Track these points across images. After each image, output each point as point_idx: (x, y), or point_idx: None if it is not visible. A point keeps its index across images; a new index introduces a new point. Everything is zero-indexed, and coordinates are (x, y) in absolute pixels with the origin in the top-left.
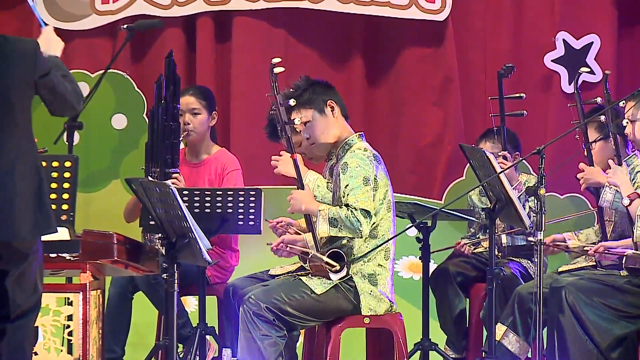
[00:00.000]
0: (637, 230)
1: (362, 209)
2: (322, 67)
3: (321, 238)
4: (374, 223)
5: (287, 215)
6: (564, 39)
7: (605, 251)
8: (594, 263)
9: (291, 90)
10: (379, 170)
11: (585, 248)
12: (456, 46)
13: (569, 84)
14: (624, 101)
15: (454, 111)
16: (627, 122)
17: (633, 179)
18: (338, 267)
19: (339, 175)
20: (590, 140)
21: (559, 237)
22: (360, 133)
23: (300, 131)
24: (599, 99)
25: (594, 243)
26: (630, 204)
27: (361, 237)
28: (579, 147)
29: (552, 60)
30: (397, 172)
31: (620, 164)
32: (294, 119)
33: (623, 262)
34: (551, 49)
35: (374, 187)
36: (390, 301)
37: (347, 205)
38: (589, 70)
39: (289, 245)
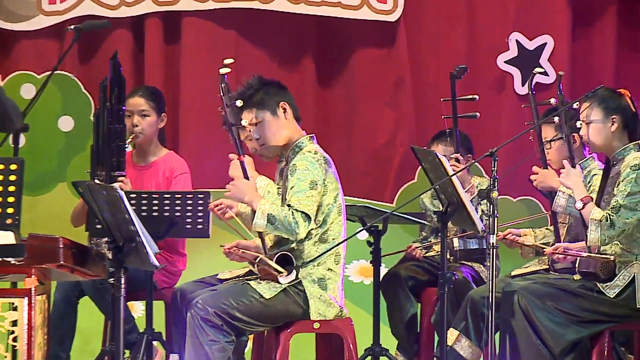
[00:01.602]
0: (591, 235)
1: (303, 212)
2: (273, 69)
3: (271, 246)
4: (322, 227)
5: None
6: (517, 40)
7: (564, 252)
8: (547, 267)
9: (243, 89)
10: (329, 173)
11: (543, 248)
12: (408, 47)
13: (522, 85)
14: (577, 102)
15: (406, 113)
16: (581, 124)
17: (589, 182)
18: (285, 273)
19: (287, 178)
20: (548, 139)
21: (515, 230)
22: (312, 135)
23: (250, 131)
24: (552, 100)
25: (548, 244)
26: (583, 208)
27: (296, 240)
28: (533, 149)
29: (505, 62)
30: (348, 175)
31: (574, 166)
32: (243, 120)
33: (576, 266)
34: (504, 50)
35: (321, 191)
36: (340, 306)
37: (289, 206)
38: (542, 71)
39: (242, 250)
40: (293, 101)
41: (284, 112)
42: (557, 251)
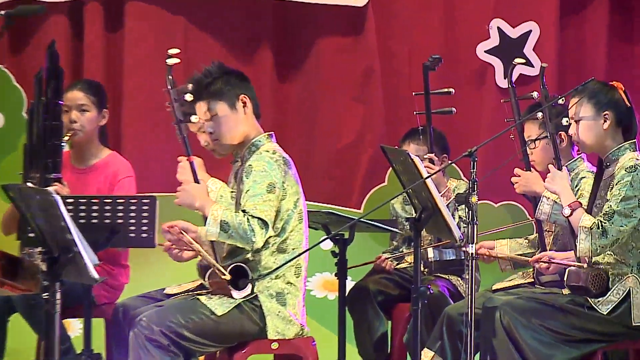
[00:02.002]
0: (580, 244)
1: (260, 219)
2: (226, 59)
3: (224, 256)
4: (281, 235)
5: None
6: (498, 27)
7: (550, 261)
8: (532, 280)
9: (201, 76)
10: (288, 175)
11: (521, 259)
12: (378, 35)
13: (505, 78)
14: (562, 98)
15: (375, 109)
16: (567, 122)
17: (577, 186)
18: (240, 286)
19: (243, 180)
20: (532, 138)
21: (487, 243)
22: (270, 133)
23: (204, 123)
24: (534, 94)
25: (527, 254)
26: (571, 214)
27: (252, 250)
28: (516, 149)
29: (485, 51)
30: (311, 178)
31: (560, 168)
32: (194, 116)
33: (565, 279)
34: (484, 38)
35: (280, 195)
36: (300, 323)
37: (244, 211)
38: (524, 61)
39: (181, 230)
40: (255, 95)
41: (244, 107)
42: (541, 260)
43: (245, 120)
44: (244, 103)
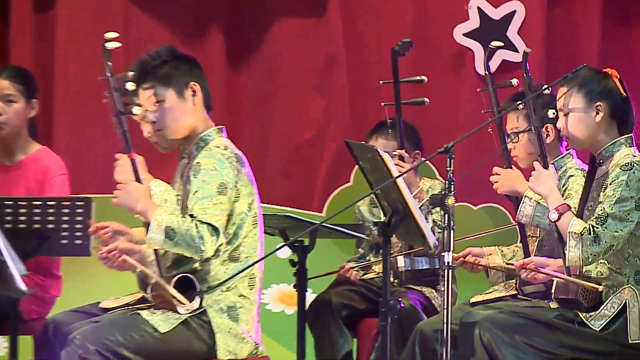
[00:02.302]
0: (570, 252)
1: (209, 224)
2: (171, 43)
3: (169, 266)
4: (233, 242)
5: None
6: (479, 7)
7: (536, 269)
8: (515, 292)
9: (148, 58)
10: (242, 175)
11: (509, 265)
12: (342, 17)
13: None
14: (547, 87)
15: (340, 99)
16: (554, 114)
17: (564, 185)
18: (186, 302)
19: (190, 179)
20: (514, 132)
21: (476, 250)
22: (221, 127)
23: (144, 120)
24: (514, 81)
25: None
26: (559, 219)
27: (202, 259)
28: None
29: (463, 34)
30: (267, 177)
31: (546, 167)
32: (135, 108)
33: (552, 291)
34: (463, 19)
35: (232, 197)
36: (255, 341)
37: (191, 216)
38: (503, 44)
39: (123, 255)
40: (207, 85)
41: (193, 96)
42: (527, 267)
43: (194, 111)
44: (194, 92)
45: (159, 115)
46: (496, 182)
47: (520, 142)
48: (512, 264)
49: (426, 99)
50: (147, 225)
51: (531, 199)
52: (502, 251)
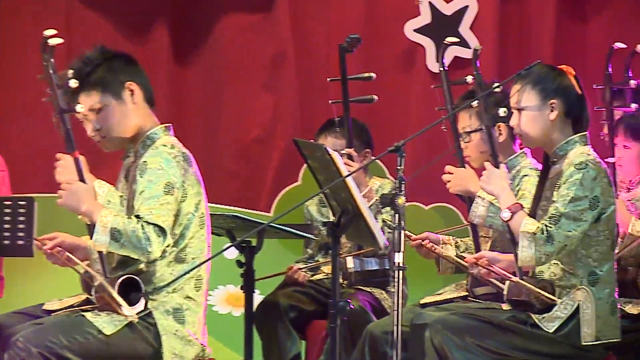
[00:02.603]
0: (523, 252)
1: (156, 225)
2: (116, 40)
3: (114, 267)
4: (180, 242)
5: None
6: (430, 3)
7: (488, 265)
8: (466, 293)
9: (80, 64)
10: (189, 174)
11: (460, 258)
12: (291, 13)
13: (437, 61)
14: (500, 86)
15: (288, 97)
16: (505, 112)
17: (517, 185)
18: (126, 307)
19: (136, 179)
20: (466, 131)
21: (433, 237)
22: (168, 125)
23: (87, 118)
24: (469, 78)
25: None
26: (511, 218)
27: (149, 260)
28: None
29: (414, 30)
30: (214, 177)
31: (497, 166)
32: (79, 105)
33: (505, 292)
34: (414, 15)
35: (179, 197)
36: (201, 344)
37: (137, 217)
38: (458, 40)
39: (66, 252)
40: (146, 80)
41: (132, 95)
42: (479, 262)
43: (136, 111)
44: (132, 91)
45: (101, 122)
46: (449, 181)
47: (472, 141)
48: (463, 257)
49: (375, 97)
50: (90, 226)
51: (484, 199)
52: (456, 242)
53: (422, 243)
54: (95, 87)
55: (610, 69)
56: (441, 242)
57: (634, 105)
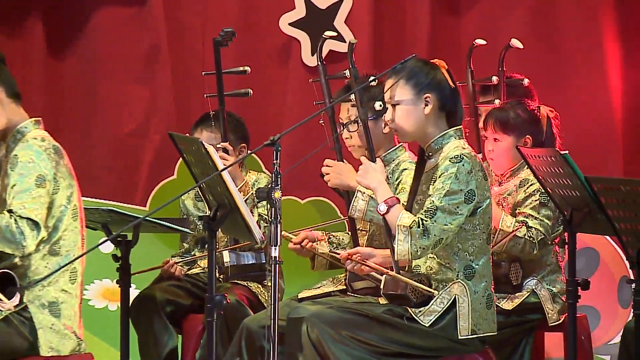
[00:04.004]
0: (399, 246)
1: (29, 219)
2: None
3: None
4: (53, 235)
5: None
6: None
7: (362, 261)
8: (344, 287)
9: None
10: (60, 166)
11: (334, 254)
12: (165, 5)
13: (313, 55)
14: (375, 79)
15: (163, 91)
16: (380, 106)
17: (397, 179)
18: (5, 300)
19: (8, 173)
20: (347, 122)
21: (312, 234)
22: (37, 119)
23: None
24: (347, 72)
25: None
26: (387, 212)
27: (24, 254)
28: (327, 136)
29: (290, 24)
30: (88, 170)
31: (374, 160)
32: None
33: (381, 286)
34: (289, 9)
35: (51, 189)
36: (78, 338)
37: (10, 211)
38: (336, 34)
39: None
40: (7, 74)
41: None
42: (353, 258)
43: (0, 108)
44: None
45: None
46: (327, 174)
47: (358, 131)
48: (337, 253)
49: (250, 90)
50: None
51: (364, 193)
52: (329, 238)
53: (302, 245)
54: None
55: (471, 66)
56: (316, 239)
57: (497, 102)
